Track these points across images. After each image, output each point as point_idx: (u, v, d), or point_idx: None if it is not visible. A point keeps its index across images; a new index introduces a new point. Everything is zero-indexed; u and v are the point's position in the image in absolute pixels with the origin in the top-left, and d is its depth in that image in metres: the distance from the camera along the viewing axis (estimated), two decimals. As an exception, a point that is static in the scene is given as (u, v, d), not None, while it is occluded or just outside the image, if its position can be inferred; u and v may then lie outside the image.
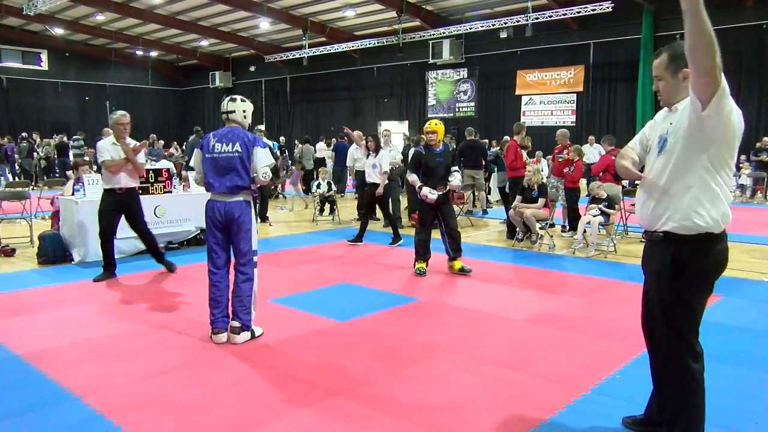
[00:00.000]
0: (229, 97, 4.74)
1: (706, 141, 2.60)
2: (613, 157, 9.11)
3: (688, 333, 2.85)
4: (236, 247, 4.59)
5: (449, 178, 6.82)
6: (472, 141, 11.75)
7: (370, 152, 9.08)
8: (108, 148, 6.51)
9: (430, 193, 6.61)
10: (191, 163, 4.77)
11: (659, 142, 2.81)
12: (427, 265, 6.96)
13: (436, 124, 6.88)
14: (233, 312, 4.60)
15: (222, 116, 4.71)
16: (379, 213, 10.66)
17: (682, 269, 2.73)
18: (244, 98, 4.77)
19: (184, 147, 22.99)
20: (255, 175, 4.55)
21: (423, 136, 7.04)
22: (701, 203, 2.64)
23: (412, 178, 6.80)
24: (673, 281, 2.76)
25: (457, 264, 6.95)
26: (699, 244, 2.71)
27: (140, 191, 7.02)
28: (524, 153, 11.11)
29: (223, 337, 4.54)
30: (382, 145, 10.05)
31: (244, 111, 4.67)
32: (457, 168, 6.94)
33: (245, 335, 4.58)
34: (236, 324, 4.55)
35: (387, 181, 8.91)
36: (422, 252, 6.92)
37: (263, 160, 4.54)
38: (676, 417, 2.84)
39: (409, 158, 7.47)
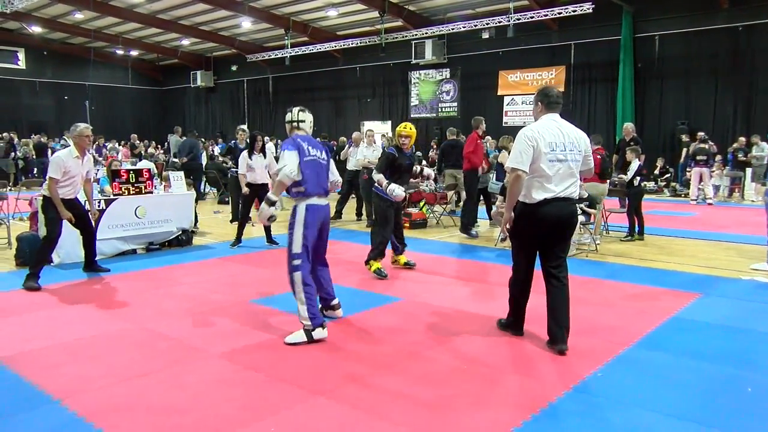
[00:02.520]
0: (298, 108, 4.96)
1: None
2: (599, 156, 9.21)
3: None
4: (323, 245, 4.97)
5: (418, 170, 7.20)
6: (454, 140, 11.78)
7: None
8: (69, 163, 6.30)
9: (399, 189, 6.53)
10: (287, 165, 4.50)
11: None
12: None
13: (411, 128, 6.92)
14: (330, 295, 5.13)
15: (290, 124, 4.89)
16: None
17: None
18: (309, 111, 5.01)
19: (164, 146, 22.85)
20: (335, 180, 5.10)
21: (399, 138, 6.91)
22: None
23: (378, 177, 6.68)
24: None
25: (403, 258, 7.18)
26: None
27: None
28: (507, 154, 11.19)
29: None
30: (365, 144, 10.12)
31: (310, 123, 4.98)
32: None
33: (298, 335, 4.57)
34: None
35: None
36: (383, 251, 6.87)
37: (336, 171, 5.14)
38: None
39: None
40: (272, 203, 4.67)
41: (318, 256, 4.95)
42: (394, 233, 7.03)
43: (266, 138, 9.93)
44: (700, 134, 14.85)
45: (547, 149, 4.20)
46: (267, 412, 3.40)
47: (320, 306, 5.01)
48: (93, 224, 6.99)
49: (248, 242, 8.97)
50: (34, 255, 6.53)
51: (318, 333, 4.54)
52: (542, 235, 4.39)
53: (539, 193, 4.26)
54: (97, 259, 7.05)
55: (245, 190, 8.52)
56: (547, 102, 4.43)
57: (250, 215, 9.02)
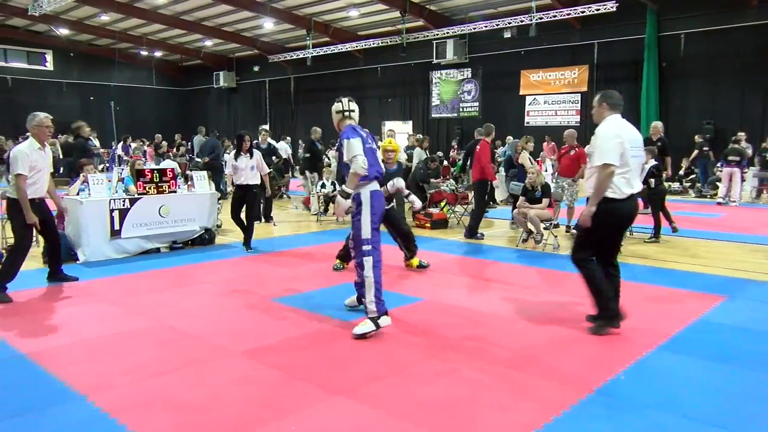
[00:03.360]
0: (348, 98, 5.04)
1: None
2: None
3: None
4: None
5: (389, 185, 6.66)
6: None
7: None
8: (32, 156, 5.73)
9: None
10: (358, 156, 4.55)
11: None
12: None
13: (393, 143, 7.24)
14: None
15: (341, 114, 4.95)
16: None
17: None
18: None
19: (189, 145, 23.07)
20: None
21: (386, 153, 7.29)
22: None
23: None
24: None
25: (415, 261, 7.15)
26: None
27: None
28: (527, 155, 11.12)
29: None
30: None
31: (357, 113, 5.06)
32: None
33: (365, 325, 4.65)
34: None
35: None
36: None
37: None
38: None
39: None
40: (347, 195, 4.69)
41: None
42: (401, 239, 7.09)
43: (272, 137, 9.89)
44: (741, 134, 14.54)
45: (629, 145, 4.47)
46: (287, 410, 3.42)
47: (357, 295, 5.18)
48: (57, 230, 6.48)
49: (267, 242, 9.04)
50: (4, 266, 5.85)
51: (383, 320, 4.68)
52: (623, 229, 4.66)
53: (627, 188, 4.50)
54: (121, 257, 7.08)
55: (231, 190, 8.55)
56: (612, 102, 4.67)
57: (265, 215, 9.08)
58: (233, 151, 8.51)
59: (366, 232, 4.71)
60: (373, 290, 4.67)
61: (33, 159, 5.73)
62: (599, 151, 4.48)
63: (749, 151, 14.70)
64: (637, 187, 4.60)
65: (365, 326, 4.64)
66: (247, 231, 8.30)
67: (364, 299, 4.73)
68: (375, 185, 4.81)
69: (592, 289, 4.73)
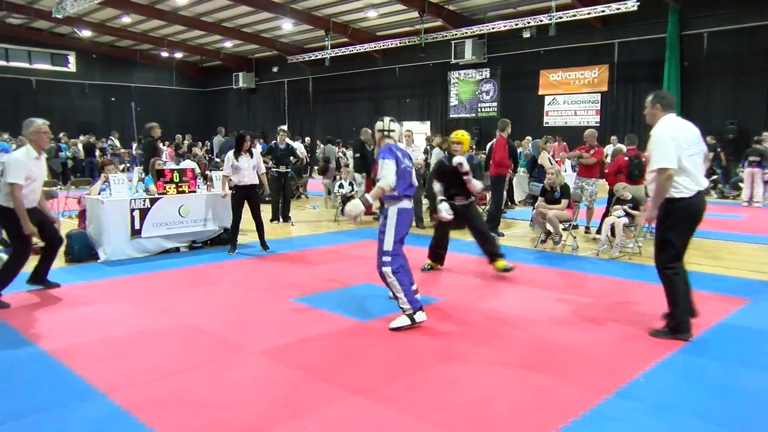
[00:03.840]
0: (389, 118, 5.23)
1: None
2: (626, 158, 8.99)
3: None
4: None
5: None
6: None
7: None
8: (29, 165, 5.48)
9: (447, 213, 6.48)
10: (387, 176, 4.84)
11: None
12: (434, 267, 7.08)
13: (462, 135, 6.72)
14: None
15: (381, 133, 5.17)
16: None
17: None
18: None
19: (207, 146, 23.28)
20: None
21: (451, 145, 6.82)
22: None
23: (437, 188, 6.75)
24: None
25: (500, 263, 6.82)
26: None
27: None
28: (546, 155, 11.04)
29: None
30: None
31: (400, 134, 5.32)
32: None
33: (401, 320, 4.87)
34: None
35: None
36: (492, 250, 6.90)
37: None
38: None
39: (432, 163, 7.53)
40: (368, 203, 4.97)
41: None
42: (478, 239, 6.88)
43: (291, 138, 9.77)
44: (765, 134, 14.32)
45: (686, 145, 4.48)
46: (306, 409, 3.43)
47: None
48: (58, 232, 6.14)
49: (285, 242, 9.09)
50: (5, 274, 5.62)
51: (419, 316, 4.89)
52: (693, 228, 4.63)
53: (693, 185, 4.50)
54: (141, 256, 7.13)
55: (225, 192, 8.15)
56: (666, 103, 4.71)
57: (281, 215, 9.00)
58: (231, 152, 8.20)
59: (388, 245, 4.91)
60: (403, 293, 4.86)
61: (29, 168, 5.48)
62: (655, 155, 4.49)
63: None
64: (704, 183, 4.58)
65: (401, 321, 4.86)
66: (261, 230, 8.31)
67: (397, 300, 4.92)
68: (405, 203, 4.99)
69: (671, 300, 4.67)
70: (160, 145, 13.27)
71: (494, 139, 11.15)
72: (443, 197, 6.65)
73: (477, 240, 6.91)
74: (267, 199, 10.72)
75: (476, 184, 6.70)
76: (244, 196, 8.14)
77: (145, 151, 11.87)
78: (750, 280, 6.59)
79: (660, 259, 4.68)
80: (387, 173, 4.83)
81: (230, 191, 8.21)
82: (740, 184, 14.50)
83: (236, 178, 8.06)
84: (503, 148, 9.50)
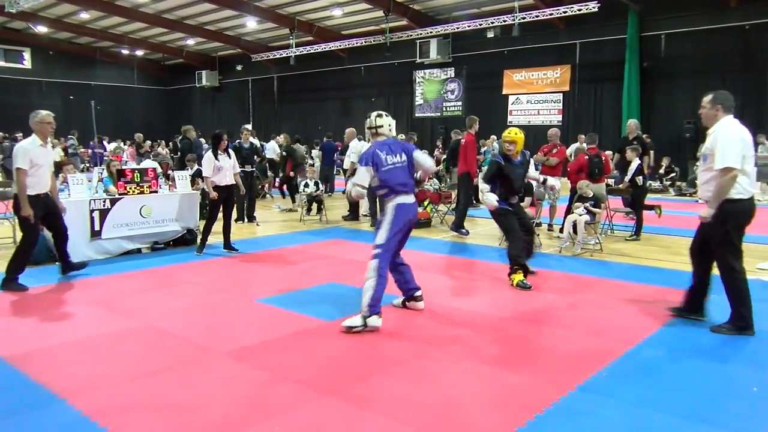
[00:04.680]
0: (376, 113, 5.15)
1: None
2: (586, 157, 9.17)
3: None
4: (404, 243, 5.19)
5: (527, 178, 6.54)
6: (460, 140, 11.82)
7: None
8: (33, 151, 6.00)
9: (491, 197, 6.14)
10: (359, 181, 4.91)
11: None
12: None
13: (516, 134, 6.33)
14: (417, 287, 5.41)
15: (371, 131, 5.15)
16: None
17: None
18: (387, 113, 5.21)
19: (171, 145, 22.88)
20: (427, 167, 5.26)
21: (504, 145, 6.41)
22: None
23: (483, 186, 6.31)
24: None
25: (516, 277, 6.27)
26: None
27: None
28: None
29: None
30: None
31: (390, 125, 5.16)
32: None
33: (355, 320, 4.79)
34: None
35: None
36: (521, 263, 6.31)
37: (428, 159, 5.29)
38: None
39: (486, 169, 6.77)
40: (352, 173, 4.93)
41: (397, 254, 5.20)
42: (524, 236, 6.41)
43: (256, 137, 9.61)
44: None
45: (748, 147, 4.58)
46: (275, 411, 3.41)
47: (403, 298, 5.45)
48: (64, 223, 6.57)
49: (251, 242, 9.00)
50: (14, 259, 6.13)
51: (372, 321, 4.77)
52: (744, 230, 4.68)
53: (750, 186, 4.61)
54: (102, 258, 7.03)
55: (213, 194, 7.80)
56: (728, 105, 4.79)
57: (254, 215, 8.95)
58: (209, 151, 8.02)
59: (380, 239, 4.90)
60: (371, 293, 4.78)
61: (34, 154, 5.97)
62: (722, 154, 4.50)
63: None
64: (756, 186, 4.68)
65: (354, 321, 4.78)
66: (228, 231, 8.20)
67: (364, 296, 4.81)
68: (402, 198, 4.96)
69: (739, 299, 4.68)
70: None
71: (459, 137, 11.25)
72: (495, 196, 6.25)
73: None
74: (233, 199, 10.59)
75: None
76: (224, 197, 8.00)
77: (181, 153, 12.76)
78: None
79: (726, 261, 4.69)
80: (356, 182, 4.91)
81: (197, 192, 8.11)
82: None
83: (217, 178, 7.90)
84: (473, 146, 9.55)
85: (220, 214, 8.15)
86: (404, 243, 5.22)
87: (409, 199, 5.04)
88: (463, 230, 9.44)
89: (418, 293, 5.39)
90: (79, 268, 6.75)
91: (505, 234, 6.58)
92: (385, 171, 4.91)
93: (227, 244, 8.17)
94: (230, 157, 8.09)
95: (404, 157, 5.07)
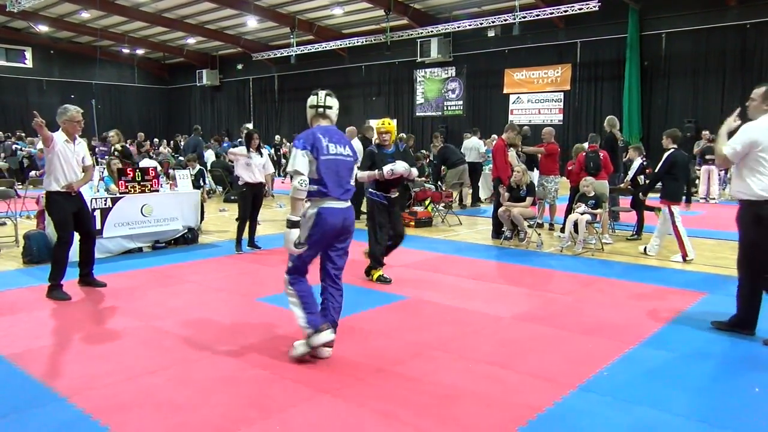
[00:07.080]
0: (325, 91, 4.35)
1: None
2: (584, 154, 9.19)
3: None
4: (337, 257, 4.23)
5: (385, 170, 6.03)
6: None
7: None
8: (59, 146, 5.80)
9: (398, 165, 5.97)
10: (296, 167, 3.91)
11: None
12: None
13: (389, 124, 6.42)
14: (333, 323, 4.20)
15: (314, 110, 4.27)
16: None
17: None
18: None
19: (172, 144, 22.89)
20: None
21: (379, 135, 6.45)
22: None
23: (361, 174, 6.07)
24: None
25: (376, 273, 6.45)
26: None
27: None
28: (515, 153, 11.18)
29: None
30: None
31: (336, 112, 4.31)
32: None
33: (298, 346, 4.09)
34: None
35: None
36: (380, 260, 6.46)
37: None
38: None
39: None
40: (294, 224, 3.90)
41: (327, 272, 4.25)
42: (393, 240, 6.47)
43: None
44: (705, 133, 14.79)
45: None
46: (273, 410, 3.41)
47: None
48: (91, 227, 6.24)
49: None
50: (52, 264, 5.81)
51: (318, 339, 3.98)
52: None
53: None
54: (103, 257, 6.98)
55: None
56: None
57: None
58: (241, 148, 8.30)
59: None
60: (300, 317, 4.03)
61: (59, 148, 5.79)
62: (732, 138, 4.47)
63: None
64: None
65: (298, 349, 4.07)
66: (254, 229, 8.34)
67: (297, 321, 4.08)
68: (330, 203, 4.03)
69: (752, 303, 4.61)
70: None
71: (472, 139, 11.20)
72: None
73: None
74: (233, 198, 10.61)
75: (398, 165, 6.09)
76: (253, 193, 8.12)
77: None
78: (707, 274, 6.79)
79: (755, 267, 4.53)
80: (296, 169, 3.91)
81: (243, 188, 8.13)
82: (696, 182, 14.90)
83: (247, 175, 8.04)
84: (501, 151, 9.12)
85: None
86: (339, 260, 4.25)
87: (340, 204, 4.08)
88: (506, 233, 8.97)
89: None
90: (98, 286, 6.17)
91: (372, 231, 6.42)
92: (325, 160, 3.99)
93: (251, 242, 8.29)
94: (261, 156, 8.27)
95: (349, 151, 4.21)
